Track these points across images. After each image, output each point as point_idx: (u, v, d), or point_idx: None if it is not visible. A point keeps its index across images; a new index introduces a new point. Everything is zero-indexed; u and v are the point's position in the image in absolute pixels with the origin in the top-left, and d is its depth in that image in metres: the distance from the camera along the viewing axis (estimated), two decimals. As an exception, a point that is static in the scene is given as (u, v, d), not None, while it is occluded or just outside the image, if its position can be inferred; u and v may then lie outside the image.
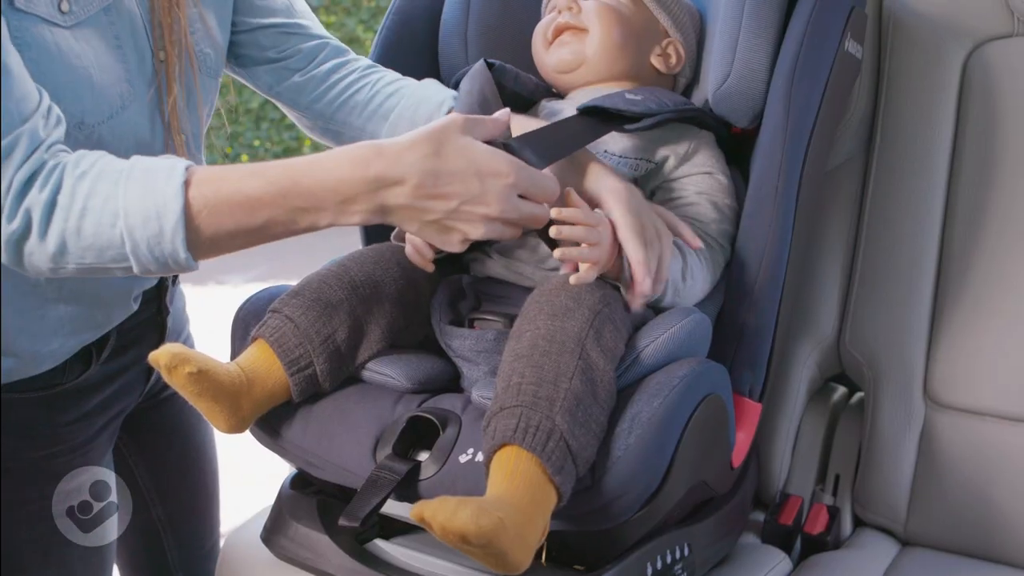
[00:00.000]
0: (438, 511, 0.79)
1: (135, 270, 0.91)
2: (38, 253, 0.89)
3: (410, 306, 1.09)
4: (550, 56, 1.23)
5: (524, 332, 0.93)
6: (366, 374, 1.05)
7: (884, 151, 1.34)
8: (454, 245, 0.95)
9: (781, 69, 1.11)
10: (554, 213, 0.97)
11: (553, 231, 0.96)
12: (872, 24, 1.33)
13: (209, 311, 2.16)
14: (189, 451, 1.32)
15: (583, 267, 0.96)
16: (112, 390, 1.16)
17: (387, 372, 1.04)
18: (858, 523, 1.33)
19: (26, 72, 0.90)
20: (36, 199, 0.88)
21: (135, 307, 1.15)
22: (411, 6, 1.31)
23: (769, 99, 1.11)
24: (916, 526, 1.28)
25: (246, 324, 1.08)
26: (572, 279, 0.96)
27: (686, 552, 1.03)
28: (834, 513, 1.29)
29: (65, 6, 0.96)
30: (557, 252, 0.97)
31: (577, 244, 0.96)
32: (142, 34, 1.05)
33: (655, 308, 1.05)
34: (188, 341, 1.30)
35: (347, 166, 0.90)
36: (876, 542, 1.29)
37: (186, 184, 0.89)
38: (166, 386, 1.25)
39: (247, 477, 2.53)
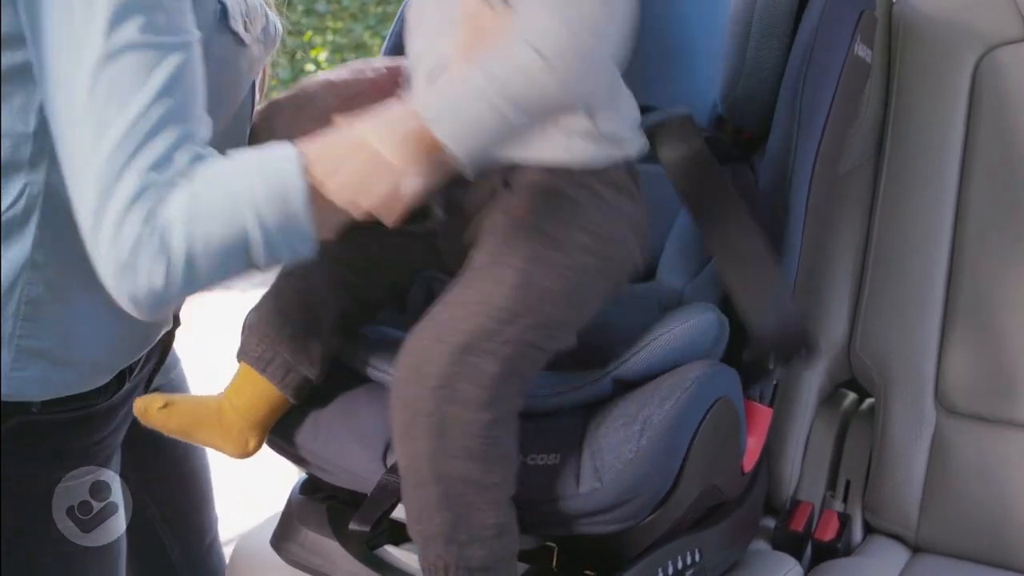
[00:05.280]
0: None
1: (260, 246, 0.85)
2: (171, 276, 0.84)
3: (373, 267, 1.06)
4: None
5: (400, 458, 0.90)
6: (373, 373, 1.04)
7: (894, 156, 1.33)
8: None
9: (791, 73, 1.11)
10: None
11: None
12: (882, 28, 1.33)
13: (215, 317, 2.16)
14: (177, 447, 1.31)
15: None
16: (130, 405, 1.16)
17: (393, 372, 1.04)
18: (869, 530, 1.33)
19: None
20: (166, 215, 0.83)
21: (171, 322, 1.15)
22: (420, 12, 1.31)
23: (779, 103, 1.11)
24: (927, 533, 1.27)
25: (254, 329, 1.07)
26: None
27: (697, 558, 1.03)
28: (845, 520, 1.29)
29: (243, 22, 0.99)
30: None
31: None
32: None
33: (664, 307, 1.06)
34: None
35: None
36: (887, 549, 1.28)
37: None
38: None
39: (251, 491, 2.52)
